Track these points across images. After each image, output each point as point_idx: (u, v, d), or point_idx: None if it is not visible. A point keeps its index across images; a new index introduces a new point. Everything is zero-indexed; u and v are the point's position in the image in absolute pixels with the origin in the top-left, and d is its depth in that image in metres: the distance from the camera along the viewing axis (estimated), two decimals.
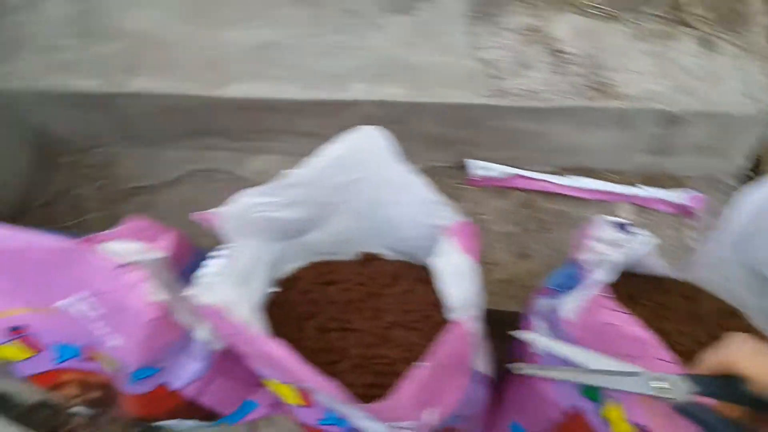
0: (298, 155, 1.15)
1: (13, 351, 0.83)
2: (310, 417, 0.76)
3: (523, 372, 0.58)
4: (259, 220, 0.76)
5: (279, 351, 0.59)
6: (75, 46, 1.01)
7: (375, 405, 0.58)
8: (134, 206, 1.15)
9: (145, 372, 0.80)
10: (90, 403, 0.96)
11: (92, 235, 0.66)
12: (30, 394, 1.34)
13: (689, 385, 0.37)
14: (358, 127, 0.72)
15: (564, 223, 1.04)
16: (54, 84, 0.99)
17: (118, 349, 0.76)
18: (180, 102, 0.98)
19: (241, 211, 0.71)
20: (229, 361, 0.90)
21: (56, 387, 0.92)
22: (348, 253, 0.93)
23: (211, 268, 0.67)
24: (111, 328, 0.74)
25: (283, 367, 0.60)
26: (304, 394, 0.73)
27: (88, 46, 1.01)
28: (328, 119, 0.99)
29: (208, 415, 0.99)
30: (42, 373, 0.88)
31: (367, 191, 0.80)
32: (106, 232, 0.67)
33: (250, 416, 1.06)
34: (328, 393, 0.59)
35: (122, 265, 0.65)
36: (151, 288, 0.67)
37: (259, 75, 0.95)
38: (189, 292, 0.66)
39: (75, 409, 1.34)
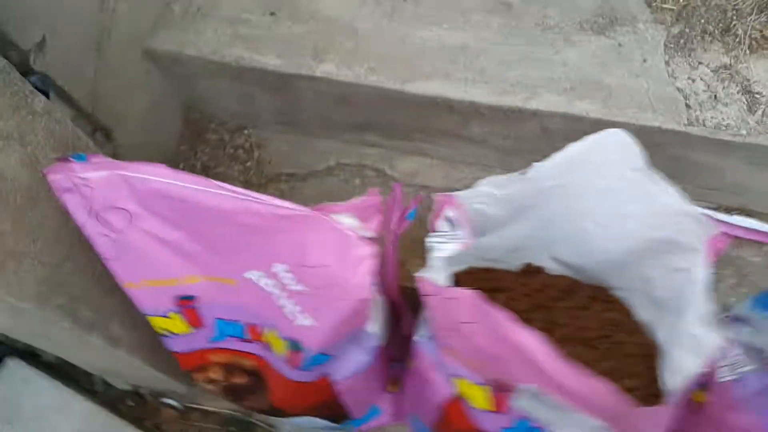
0: (453, 161, 1.10)
1: (175, 323, 0.76)
2: (494, 424, 0.68)
3: None
4: (471, 212, 0.69)
5: (536, 343, 0.51)
6: (261, 23, 0.97)
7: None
8: (277, 192, 1.09)
9: (320, 358, 0.72)
10: (227, 390, 0.88)
11: (325, 204, 0.59)
12: (121, 381, 1.27)
13: None
14: (607, 129, 0.65)
15: (719, 260, 0.96)
16: (234, 57, 0.94)
17: (307, 328, 0.68)
18: (360, 92, 0.92)
19: (471, 199, 0.64)
20: (378, 360, 0.82)
21: (200, 368, 0.84)
22: (510, 262, 0.86)
23: (445, 252, 0.60)
24: (306, 305, 0.67)
25: (534, 361, 0.52)
26: (500, 398, 0.64)
27: (275, 25, 0.96)
28: (504, 127, 0.93)
29: (338, 416, 0.90)
30: (192, 352, 0.81)
31: (570, 197, 0.73)
32: (340, 203, 0.60)
33: (374, 422, 0.97)
34: (592, 397, 0.51)
35: (360, 238, 0.58)
36: (375, 267, 0.60)
37: (448, 75, 0.89)
38: (425, 273, 0.58)
39: (166, 400, 1.26)
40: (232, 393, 0.87)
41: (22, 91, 0.61)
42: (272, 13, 0.98)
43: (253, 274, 0.68)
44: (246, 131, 1.13)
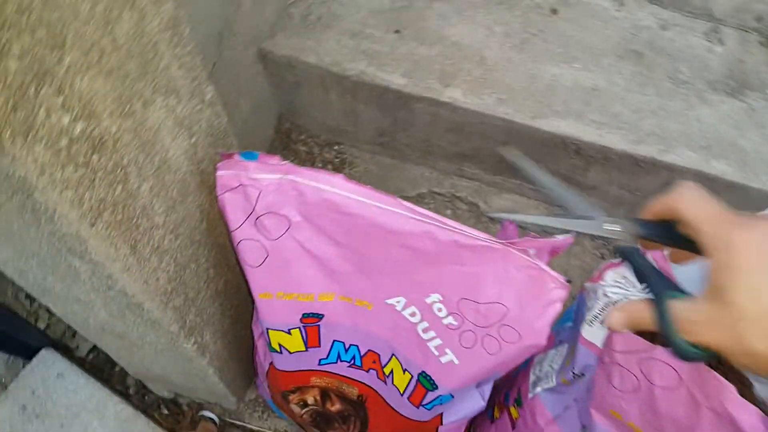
0: (551, 204, 1.07)
1: (293, 340, 0.71)
2: None
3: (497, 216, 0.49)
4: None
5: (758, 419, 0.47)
6: (385, 40, 0.94)
7: None
8: None
9: (445, 398, 0.68)
10: (315, 416, 0.82)
11: (520, 240, 0.55)
12: (162, 388, 1.20)
13: (635, 229, 0.38)
14: None
15: None
16: (357, 71, 0.91)
17: (447, 366, 0.64)
18: (482, 122, 0.89)
19: None
20: None
21: (298, 390, 0.78)
22: None
23: None
24: (454, 341, 0.62)
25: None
26: None
27: (400, 44, 0.93)
28: (625, 177, 0.90)
29: None
30: (297, 371, 0.75)
31: None
32: (528, 239, 0.56)
33: None
34: None
35: (561, 281, 0.54)
36: (559, 313, 0.56)
37: (580, 116, 0.87)
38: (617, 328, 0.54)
39: (205, 413, 1.19)
40: (320, 419, 0.81)
41: (200, 77, 0.57)
42: (397, 31, 0.95)
43: (397, 301, 0.63)
44: (337, 147, 1.09)
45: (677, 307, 0.31)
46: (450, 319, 0.61)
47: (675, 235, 0.34)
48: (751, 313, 0.27)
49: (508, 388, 0.84)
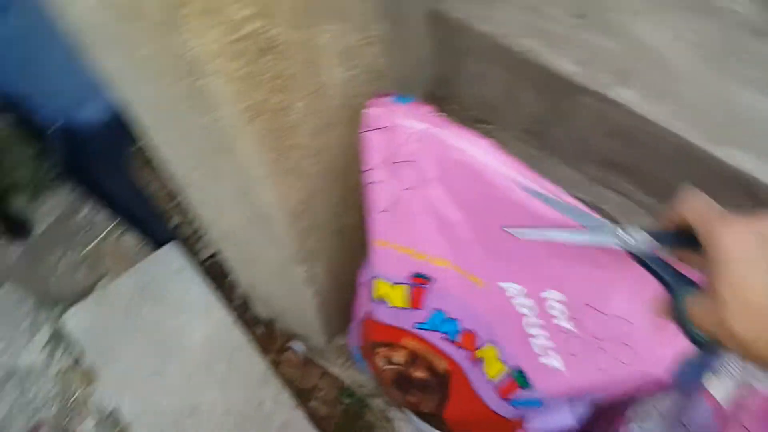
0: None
1: (396, 295, 0.68)
2: None
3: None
4: None
5: None
6: (564, 22, 0.87)
7: None
8: None
9: (535, 402, 0.62)
10: (398, 376, 0.80)
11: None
12: (265, 309, 1.23)
13: (653, 240, 0.40)
14: None
15: None
16: (527, 48, 0.85)
17: (549, 370, 0.58)
18: (651, 132, 0.80)
19: None
20: None
21: (388, 345, 0.77)
22: None
23: None
24: (564, 346, 0.56)
25: None
26: None
27: (579, 29, 0.86)
28: None
29: None
30: (392, 327, 0.73)
31: None
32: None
33: None
34: None
35: None
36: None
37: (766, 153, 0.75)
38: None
39: (293, 344, 1.21)
40: (401, 382, 0.79)
41: (371, 13, 0.55)
42: (579, 16, 0.87)
43: (511, 287, 0.58)
44: (484, 126, 1.04)
45: (688, 300, 0.34)
46: (566, 322, 0.55)
47: (691, 241, 0.35)
48: (733, 303, 0.29)
49: (604, 425, 0.77)
